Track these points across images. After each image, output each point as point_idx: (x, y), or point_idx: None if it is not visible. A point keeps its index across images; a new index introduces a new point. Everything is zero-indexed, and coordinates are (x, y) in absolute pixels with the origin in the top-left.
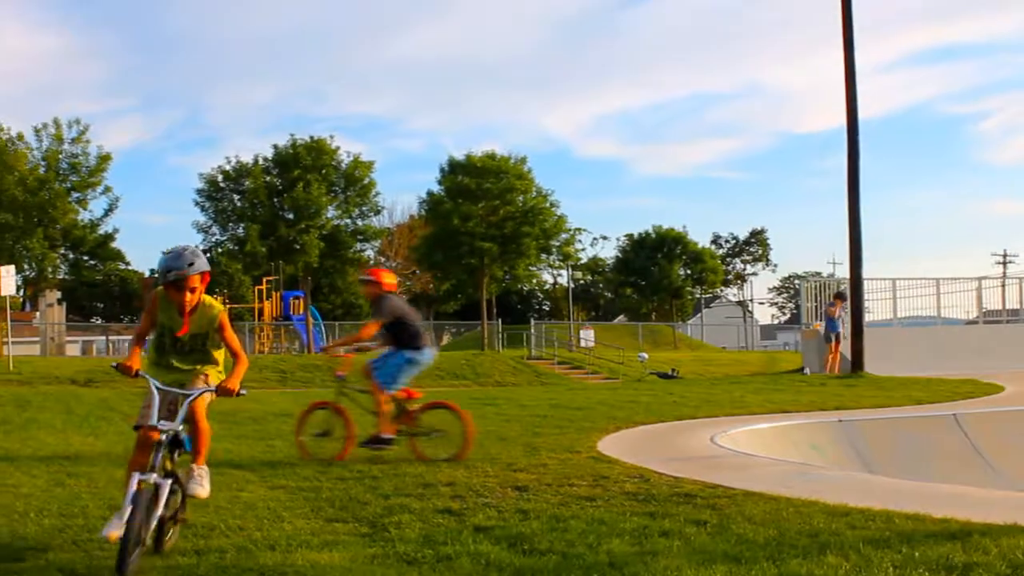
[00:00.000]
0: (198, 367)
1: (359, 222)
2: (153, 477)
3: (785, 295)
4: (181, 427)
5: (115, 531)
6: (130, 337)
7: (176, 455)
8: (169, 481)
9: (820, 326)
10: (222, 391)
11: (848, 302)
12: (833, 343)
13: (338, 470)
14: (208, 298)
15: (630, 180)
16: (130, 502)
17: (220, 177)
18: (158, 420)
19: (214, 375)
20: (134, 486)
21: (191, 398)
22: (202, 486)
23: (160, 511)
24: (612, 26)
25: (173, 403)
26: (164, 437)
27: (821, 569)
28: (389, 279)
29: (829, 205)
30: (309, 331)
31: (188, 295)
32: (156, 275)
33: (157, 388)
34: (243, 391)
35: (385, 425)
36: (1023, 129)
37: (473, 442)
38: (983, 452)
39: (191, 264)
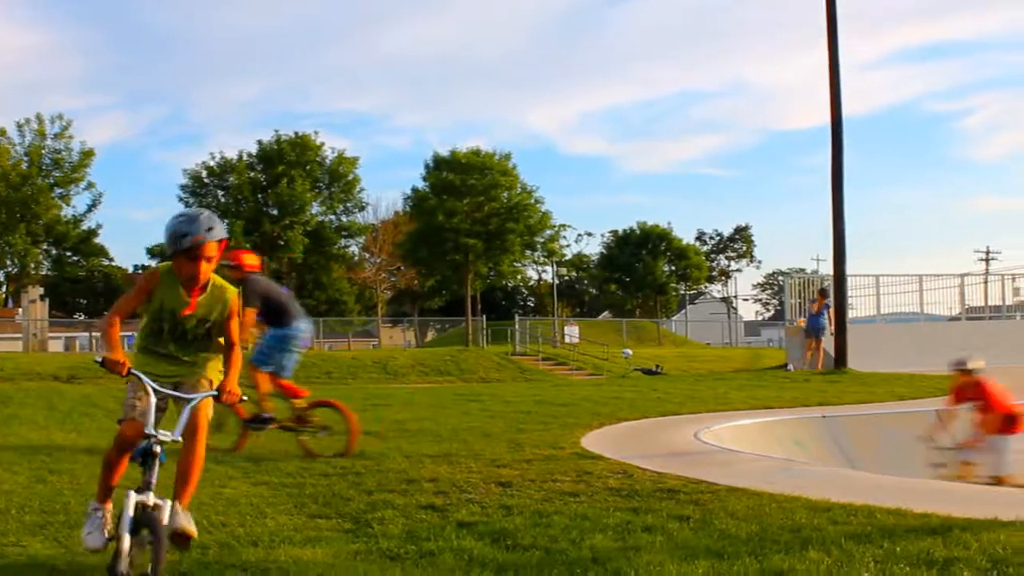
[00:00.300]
0: (201, 357)
1: (343, 218)
2: (151, 498)
3: (769, 292)
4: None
5: (98, 544)
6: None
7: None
8: (170, 502)
9: (804, 322)
10: (225, 396)
11: (831, 299)
12: (814, 339)
13: (321, 466)
14: (218, 277)
15: (616, 177)
16: (126, 528)
17: (204, 173)
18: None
19: (215, 373)
20: (130, 509)
21: (193, 403)
22: (190, 523)
23: (162, 540)
24: (598, 24)
25: (163, 403)
26: (161, 448)
27: (803, 564)
28: (251, 260)
29: (813, 202)
30: None
31: (204, 266)
32: (166, 244)
33: (153, 388)
34: (244, 397)
35: (264, 403)
36: (1007, 126)
37: (358, 439)
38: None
39: (210, 229)
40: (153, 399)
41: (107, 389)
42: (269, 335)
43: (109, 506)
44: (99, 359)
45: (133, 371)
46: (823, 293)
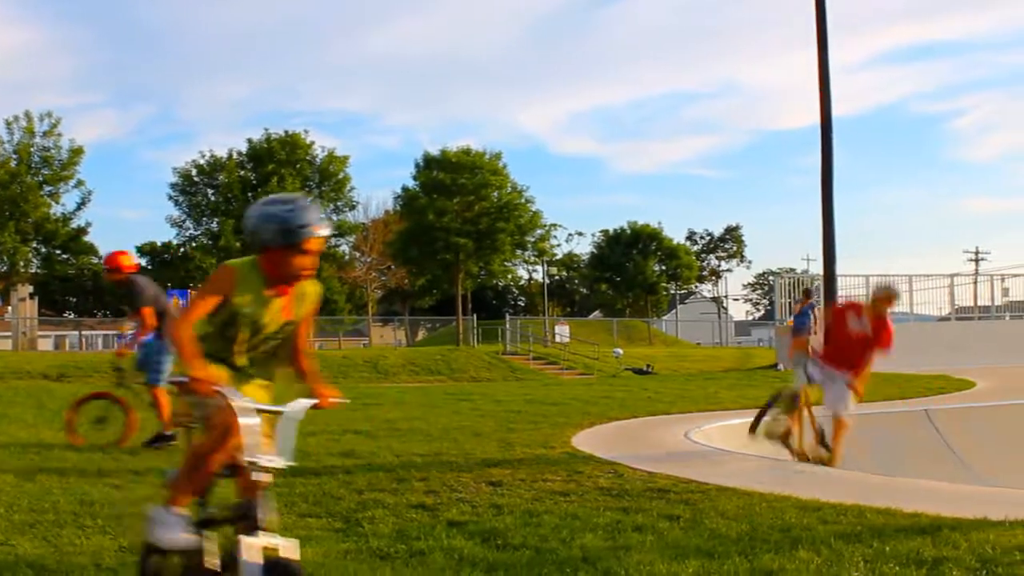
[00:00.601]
0: (270, 372)
1: (334, 217)
2: (275, 540)
3: (759, 291)
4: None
5: (184, 540)
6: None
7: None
8: (295, 541)
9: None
10: (328, 402)
11: (815, 298)
12: (798, 338)
13: (313, 465)
14: None
15: (607, 177)
16: None
17: (194, 171)
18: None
19: (263, 391)
20: (254, 556)
21: (297, 418)
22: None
23: None
24: (589, 24)
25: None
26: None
27: (793, 564)
28: (128, 261)
29: (804, 202)
30: None
31: (311, 264)
32: (263, 235)
33: (255, 409)
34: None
35: (167, 421)
36: (997, 127)
37: (136, 427)
38: (954, 447)
39: (320, 219)
40: (256, 422)
41: (96, 388)
42: (154, 345)
43: (184, 508)
44: (180, 378)
45: (228, 389)
46: (807, 293)
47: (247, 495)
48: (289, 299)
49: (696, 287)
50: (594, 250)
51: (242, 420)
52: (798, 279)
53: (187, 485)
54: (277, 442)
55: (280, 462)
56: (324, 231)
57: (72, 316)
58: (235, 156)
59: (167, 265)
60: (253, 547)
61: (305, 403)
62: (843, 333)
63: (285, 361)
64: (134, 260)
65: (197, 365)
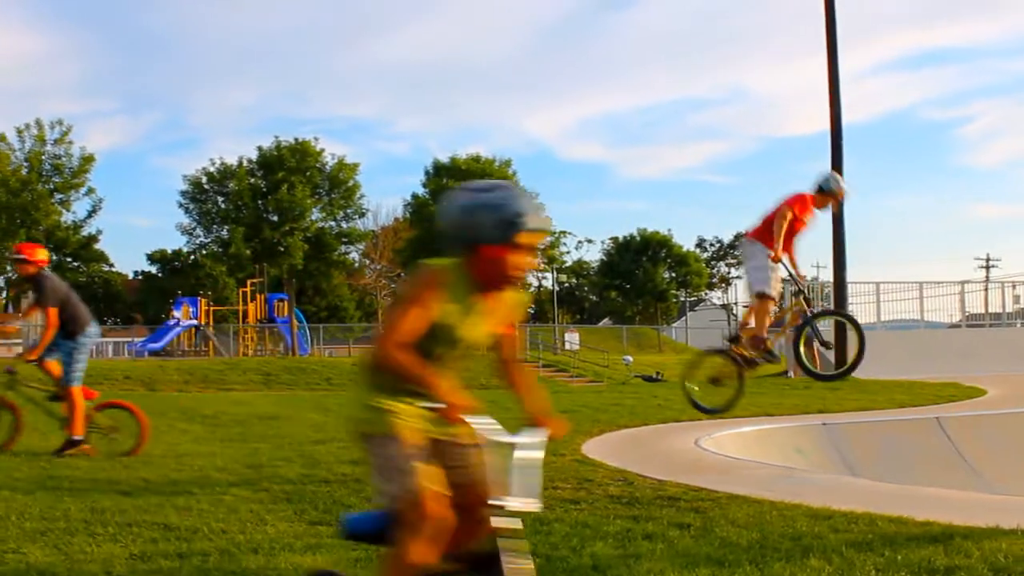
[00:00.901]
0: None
1: (344, 224)
2: None
3: None
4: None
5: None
6: (120, 339)
7: None
8: None
9: None
10: (559, 431)
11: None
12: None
13: (323, 473)
14: None
15: (615, 183)
16: None
17: (204, 179)
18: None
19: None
20: None
21: (536, 449)
22: None
23: None
24: (596, 30)
25: (454, 459)
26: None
27: (804, 572)
28: (42, 255)
29: None
30: (294, 333)
31: (529, 263)
32: (475, 230)
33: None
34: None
35: (76, 425)
36: (1005, 133)
37: (148, 438)
38: (965, 455)
39: (539, 208)
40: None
41: (106, 395)
42: (65, 346)
43: None
44: (435, 404)
45: (480, 421)
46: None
47: (488, 546)
48: (495, 306)
49: (706, 294)
50: (603, 257)
51: (491, 456)
52: (809, 286)
53: None
54: (514, 480)
55: (533, 504)
56: (544, 223)
57: None
58: (245, 163)
59: (177, 272)
60: None
61: (540, 432)
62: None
63: (498, 377)
64: (46, 255)
65: (446, 388)
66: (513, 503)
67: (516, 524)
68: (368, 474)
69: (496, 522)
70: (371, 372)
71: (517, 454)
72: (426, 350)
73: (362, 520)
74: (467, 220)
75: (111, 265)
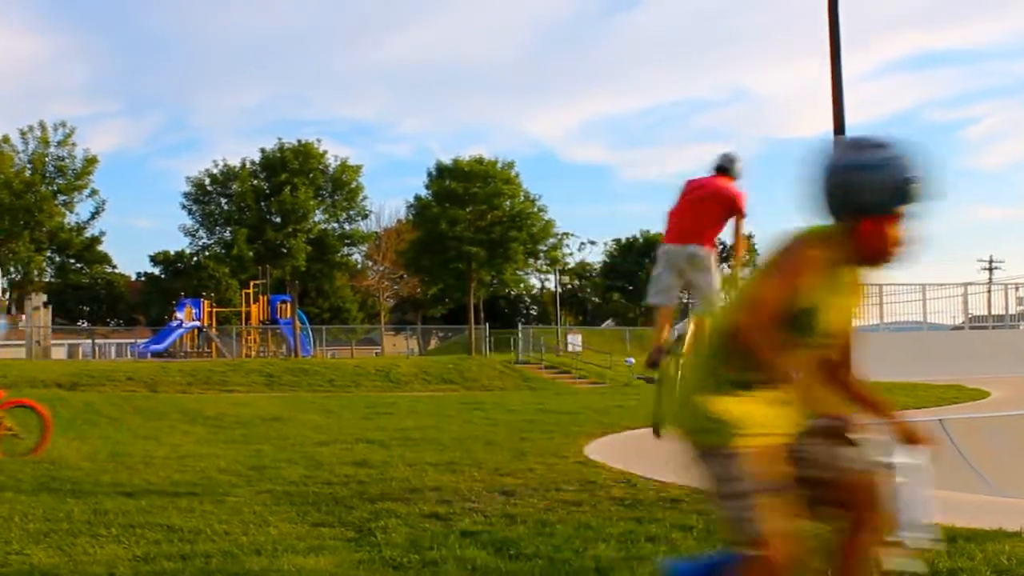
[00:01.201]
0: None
1: (346, 226)
2: None
3: None
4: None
5: None
6: (123, 340)
7: None
8: None
9: None
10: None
11: None
12: None
13: (325, 475)
14: None
15: (617, 185)
16: None
17: (207, 180)
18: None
19: None
20: None
21: (922, 469)
22: None
23: None
24: (599, 31)
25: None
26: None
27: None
28: None
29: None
30: (296, 335)
31: (909, 239)
32: (862, 195)
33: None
34: None
35: None
36: (1008, 135)
37: (51, 438)
38: (968, 458)
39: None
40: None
41: (110, 397)
42: None
43: None
44: (820, 421)
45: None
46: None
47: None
48: (860, 290)
49: None
50: (606, 259)
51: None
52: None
53: None
54: (904, 510)
55: (933, 540)
56: (939, 190)
57: (86, 325)
58: (248, 165)
59: (180, 274)
60: None
61: (919, 451)
62: None
63: (825, 379)
64: None
65: (818, 397)
66: (913, 537)
67: (919, 568)
68: (702, 494)
69: (892, 563)
70: (723, 355)
71: (903, 479)
72: (799, 337)
73: (691, 571)
74: (854, 182)
75: (114, 267)
